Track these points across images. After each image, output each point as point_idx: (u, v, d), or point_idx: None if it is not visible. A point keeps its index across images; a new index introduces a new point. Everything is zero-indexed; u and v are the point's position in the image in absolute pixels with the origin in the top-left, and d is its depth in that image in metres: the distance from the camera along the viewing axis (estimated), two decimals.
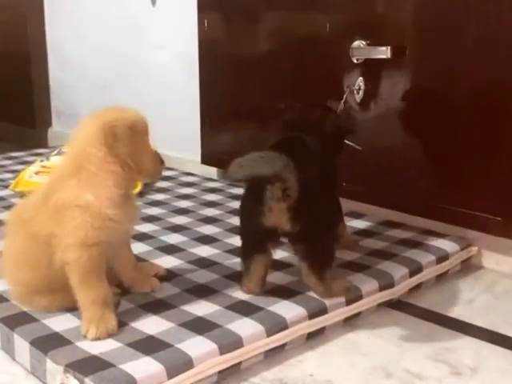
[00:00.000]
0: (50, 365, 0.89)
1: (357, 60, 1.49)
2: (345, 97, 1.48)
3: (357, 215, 1.54)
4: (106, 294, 0.97)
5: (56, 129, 2.69)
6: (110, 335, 0.94)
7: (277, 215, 1.00)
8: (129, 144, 0.95)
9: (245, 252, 1.09)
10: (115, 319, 0.96)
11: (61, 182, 0.96)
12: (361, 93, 1.50)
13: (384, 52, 1.42)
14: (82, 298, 0.96)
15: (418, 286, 1.23)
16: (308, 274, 1.06)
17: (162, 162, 1.03)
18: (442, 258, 1.29)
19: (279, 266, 1.22)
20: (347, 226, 1.40)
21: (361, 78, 1.50)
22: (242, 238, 1.10)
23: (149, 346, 0.91)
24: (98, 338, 0.93)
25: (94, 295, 0.95)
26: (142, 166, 0.99)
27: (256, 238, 1.06)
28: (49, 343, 0.92)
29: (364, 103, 1.51)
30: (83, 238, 0.93)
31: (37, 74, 2.67)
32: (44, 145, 2.59)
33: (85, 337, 0.93)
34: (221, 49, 1.87)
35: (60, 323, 0.98)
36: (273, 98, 1.72)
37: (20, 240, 1.00)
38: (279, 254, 1.26)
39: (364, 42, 1.48)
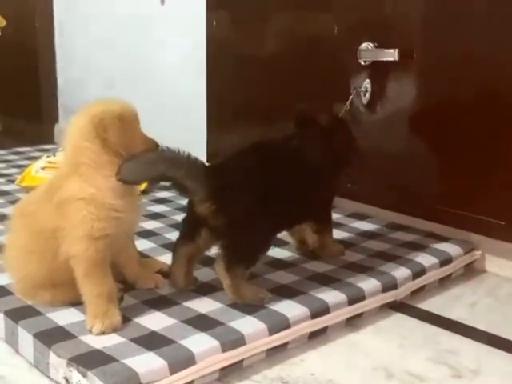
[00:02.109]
0: (53, 358, 0.89)
1: (364, 62, 1.50)
2: (351, 98, 1.49)
3: (361, 217, 1.55)
4: (111, 289, 0.98)
5: (63, 125, 2.70)
6: (114, 330, 0.94)
7: (204, 206, 1.02)
8: (118, 134, 0.97)
9: (176, 240, 1.11)
10: (120, 314, 0.97)
11: (62, 180, 0.98)
12: (367, 95, 1.51)
13: (391, 54, 1.43)
14: (87, 292, 0.96)
15: (420, 289, 1.24)
16: (219, 265, 1.05)
17: (156, 146, 1.04)
18: (446, 261, 1.30)
19: (282, 265, 1.23)
20: (352, 229, 1.41)
21: (368, 80, 1.50)
22: (181, 225, 1.12)
23: (152, 341, 0.92)
24: (102, 333, 0.93)
25: (100, 289, 0.96)
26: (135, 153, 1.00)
27: (189, 226, 1.09)
28: (52, 337, 0.93)
29: (370, 105, 1.51)
30: (90, 230, 0.94)
31: (45, 70, 2.68)
32: (50, 141, 2.59)
33: (90, 331, 0.94)
34: (229, 48, 1.88)
35: (64, 317, 0.98)
36: (280, 98, 1.72)
37: (23, 234, 1.01)
38: (281, 254, 1.28)
39: (372, 44, 1.48)
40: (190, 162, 1.01)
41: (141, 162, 0.99)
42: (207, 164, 1.06)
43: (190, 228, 1.09)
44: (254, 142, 1.14)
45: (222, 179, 1.03)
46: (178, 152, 1.01)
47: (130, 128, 1.00)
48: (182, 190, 1.02)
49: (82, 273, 0.95)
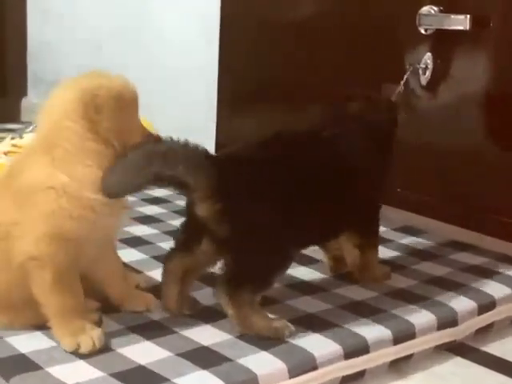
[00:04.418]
0: None
1: (425, 31, 1.50)
2: (405, 77, 1.49)
3: (413, 231, 1.55)
4: (83, 304, 1.00)
5: (32, 99, 2.73)
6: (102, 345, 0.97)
7: (205, 206, 1.02)
8: (113, 118, 0.98)
9: (169, 250, 1.13)
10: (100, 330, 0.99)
11: (29, 161, 0.99)
12: (428, 73, 1.51)
13: (461, 22, 1.43)
14: (55, 305, 0.97)
15: (488, 327, 1.23)
16: (219, 290, 1.05)
17: (154, 139, 1.05)
18: None
19: (309, 289, 1.23)
20: (401, 247, 1.41)
21: (429, 54, 1.51)
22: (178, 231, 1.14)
23: (138, 378, 0.92)
24: (95, 349, 0.96)
25: (73, 301, 0.98)
26: (128, 145, 1.01)
27: (187, 232, 1.10)
28: (12, 367, 0.93)
29: (431, 87, 1.52)
30: (59, 229, 0.95)
31: (12, 27, 2.70)
32: (16, 118, 2.62)
33: (76, 352, 0.96)
34: (248, 10, 1.89)
35: (27, 342, 0.99)
36: (310, 75, 1.72)
37: None
38: (309, 275, 1.29)
39: (436, 8, 1.48)
40: (187, 152, 1.01)
41: (125, 167, 1.00)
42: (213, 154, 1.06)
43: (189, 235, 1.09)
44: (277, 130, 1.14)
45: (230, 172, 1.03)
46: (171, 142, 1.01)
47: (128, 113, 1.01)
48: (183, 188, 1.03)
49: (49, 280, 0.96)
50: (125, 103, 1.00)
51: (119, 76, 1.02)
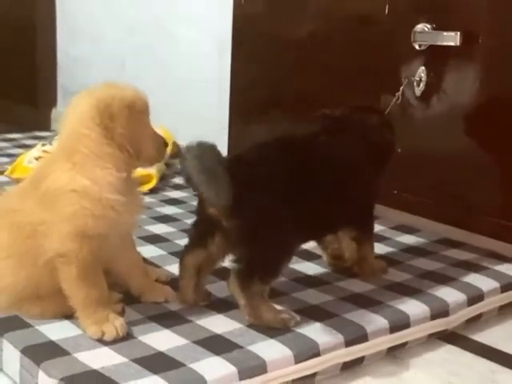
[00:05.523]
0: (42, 377, 0.90)
1: (419, 46, 1.50)
2: (401, 89, 1.49)
3: (408, 230, 1.54)
4: (107, 296, 1.01)
5: (61, 109, 2.74)
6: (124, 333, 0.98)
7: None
8: (126, 125, 0.99)
9: (184, 247, 1.12)
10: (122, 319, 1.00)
11: (52, 167, 1.00)
12: (421, 85, 1.51)
13: (452, 38, 1.42)
14: (81, 297, 0.98)
15: (477, 317, 1.23)
16: (232, 282, 1.05)
17: (165, 144, 1.07)
18: (508, 285, 1.29)
19: (312, 282, 1.23)
20: (398, 244, 1.41)
21: (422, 68, 1.50)
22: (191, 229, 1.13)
23: (157, 363, 0.93)
24: (119, 336, 0.97)
25: (97, 293, 0.99)
26: (141, 150, 1.02)
27: (200, 229, 1.09)
28: (42, 353, 0.94)
29: (424, 98, 1.51)
30: (83, 227, 0.96)
31: (43, 45, 2.72)
32: (46, 127, 2.63)
33: (101, 339, 0.97)
34: (258, 27, 1.89)
35: (56, 330, 1.00)
36: (316, 87, 1.72)
37: (2, 235, 1.02)
38: (312, 269, 1.29)
39: (429, 26, 1.48)
40: (204, 158, 1.00)
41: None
42: (224, 157, 1.06)
43: (201, 232, 1.09)
44: (280, 135, 1.14)
45: (238, 173, 1.02)
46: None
47: (140, 120, 1.02)
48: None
49: (74, 274, 0.97)
50: (137, 111, 1.01)
51: (131, 86, 1.03)
